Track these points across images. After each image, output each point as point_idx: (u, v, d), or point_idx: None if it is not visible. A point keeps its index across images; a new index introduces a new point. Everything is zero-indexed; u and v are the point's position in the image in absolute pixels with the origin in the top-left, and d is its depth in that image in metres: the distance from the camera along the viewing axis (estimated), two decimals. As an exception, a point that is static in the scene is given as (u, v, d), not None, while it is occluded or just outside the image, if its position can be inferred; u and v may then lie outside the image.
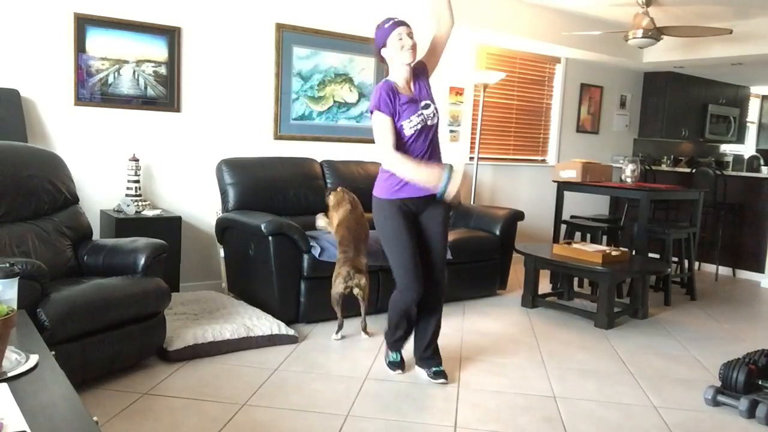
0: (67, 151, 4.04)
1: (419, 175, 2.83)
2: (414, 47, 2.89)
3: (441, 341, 3.95)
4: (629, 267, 4.50)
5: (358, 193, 4.15)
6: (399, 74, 2.94)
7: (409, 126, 2.89)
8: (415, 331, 3.25)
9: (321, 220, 4.04)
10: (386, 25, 2.89)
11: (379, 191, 3.03)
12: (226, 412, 2.74)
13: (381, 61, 3.01)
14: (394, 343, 3.27)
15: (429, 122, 2.96)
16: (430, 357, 3.24)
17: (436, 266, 3.10)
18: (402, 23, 2.90)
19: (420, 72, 3.01)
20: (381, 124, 2.88)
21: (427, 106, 2.96)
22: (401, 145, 2.91)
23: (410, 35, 2.89)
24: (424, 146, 2.95)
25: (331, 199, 4.04)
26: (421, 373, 3.25)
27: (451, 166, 2.78)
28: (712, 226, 6.42)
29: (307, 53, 4.99)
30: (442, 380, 3.17)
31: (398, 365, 3.28)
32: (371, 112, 2.92)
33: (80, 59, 4.06)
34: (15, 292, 1.82)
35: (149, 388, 2.93)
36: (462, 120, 6.16)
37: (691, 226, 5.33)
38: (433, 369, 3.20)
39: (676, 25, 5.52)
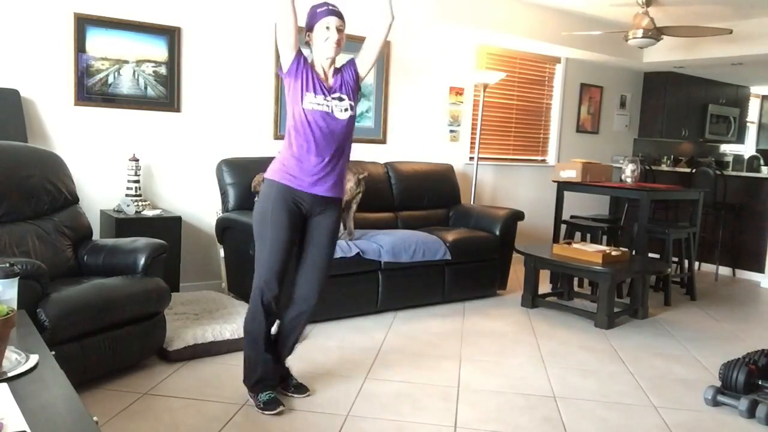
0: (67, 151, 4.04)
1: None
2: (339, 42, 2.63)
3: (441, 341, 3.96)
4: (629, 267, 4.50)
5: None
6: (318, 61, 2.70)
7: (312, 101, 2.61)
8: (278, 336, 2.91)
9: None
10: (319, 9, 2.64)
11: (273, 173, 2.71)
12: (226, 412, 2.74)
13: (306, 43, 2.74)
14: (258, 382, 2.79)
15: (336, 114, 2.64)
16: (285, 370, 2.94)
17: (315, 279, 2.79)
18: (336, 13, 2.64)
19: (346, 70, 2.75)
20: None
21: (340, 99, 2.67)
22: (300, 128, 2.62)
23: (340, 28, 2.63)
24: (328, 143, 2.64)
25: None
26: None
27: None
28: (712, 226, 6.42)
29: (307, 53, 4.97)
30: (306, 393, 2.93)
31: (274, 403, 2.75)
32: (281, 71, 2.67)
33: (80, 59, 4.06)
34: (15, 292, 1.82)
35: (149, 388, 2.93)
36: (462, 120, 6.16)
37: (691, 226, 5.33)
38: (293, 381, 2.94)
39: (676, 25, 5.52)
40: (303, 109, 2.62)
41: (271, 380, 2.81)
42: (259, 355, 2.77)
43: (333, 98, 2.66)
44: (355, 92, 2.75)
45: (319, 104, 2.63)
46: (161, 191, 4.48)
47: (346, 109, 2.68)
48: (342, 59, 2.75)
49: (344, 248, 4.06)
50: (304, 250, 2.79)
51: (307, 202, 2.70)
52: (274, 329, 2.90)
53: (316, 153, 2.64)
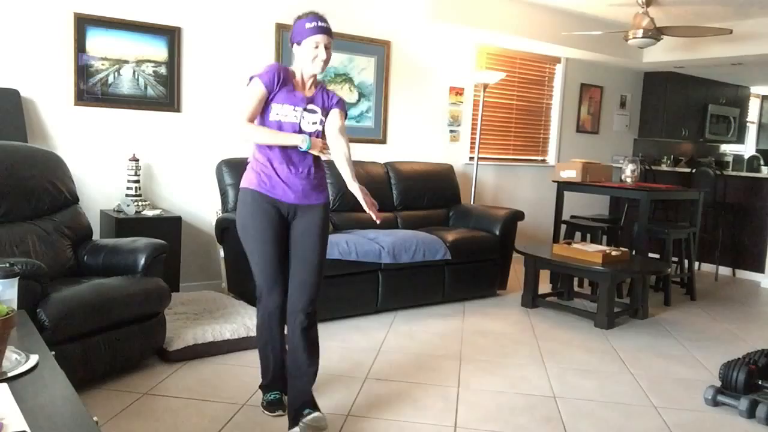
0: (67, 151, 4.04)
1: (278, 139, 2.53)
2: (327, 61, 2.58)
3: (441, 341, 3.95)
4: (629, 267, 4.50)
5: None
6: (299, 71, 2.63)
7: (278, 112, 2.55)
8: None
9: None
10: (308, 25, 2.56)
11: (247, 181, 2.64)
12: (226, 412, 2.74)
13: (291, 47, 2.67)
14: (268, 384, 2.78)
15: (303, 126, 2.58)
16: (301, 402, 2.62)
17: (311, 286, 2.63)
18: (325, 30, 2.57)
19: (328, 96, 2.68)
20: (252, 91, 2.53)
21: (312, 111, 2.61)
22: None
23: (328, 46, 2.57)
24: (294, 153, 2.58)
25: None
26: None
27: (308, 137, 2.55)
28: (712, 226, 6.42)
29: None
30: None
31: (276, 405, 2.74)
32: (251, 79, 2.58)
33: (80, 59, 4.06)
34: (15, 292, 1.82)
35: (149, 388, 2.93)
36: (462, 120, 6.16)
37: (691, 226, 5.33)
38: (307, 411, 2.57)
39: (676, 25, 5.52)
40: (266, 119, 2.56)
41: (282, 385, 2.78)
42: (269, 359, 2.75)
43: (305, 109, 2.59)
44: (326, 115, 2.65)
45: (284, 115, 2.56)
46: (161, 191, 4.48)
47: (314, 123, 2.61)
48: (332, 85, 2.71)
49: (343, 252, 4.06)
50: (290, 258, 2.67)
51: (284, 207, 2.62)
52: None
53: (283, 162, 2.58)
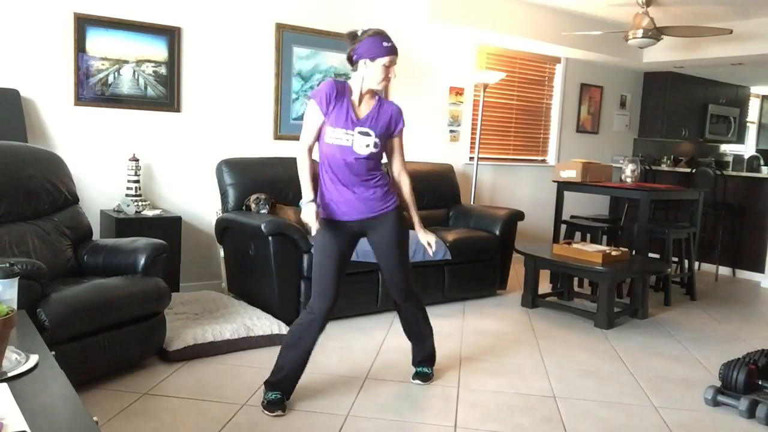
0: (67, 151, 4.04)
1: (301, 182, 2.69)
2: (390, 80, 2.70)
3: (441, 341, 3.95)
4: (629, 267, 4.50)
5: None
6: (359, 86, 2.70)
7: (332, 135, 2.66)
8: (408, 332, 3.19)
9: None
10: (384, 44, 2.63)
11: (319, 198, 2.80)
12: (226, 412, 2.74)
13: (349, 62, 2.73)
14: (275, 383, 2.79)
15: (356, 149, 2.66)
16: (421, 357, 3.23)
17: (399, 282, 2.94)
18: (396, 52, 2.67)
19: (388, 112, 2.77)
20: (309, 117, 2.68)
21: (365, 134, 2.67)
22: (323, 160, 2.72)
23: (394, 68, 2.69)
24: (350, 174, 2.71)
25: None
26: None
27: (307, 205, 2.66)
28: (712, 226, 6.42)
29: (307, 53, 4.99)
30: (417, 381, 3.19)
31: (276, 405, 2.74)
32: (309, 98, 2.72)
33: (80, 59, 4.05)
34: (15, 292, 1.82)
35: (149, 388, 2.93)
36: (462, 120, 6.16)
37: (691, 226, 5.33)
38: (416, 369, 3.24)
39: (676, 25, 5.52)
40: (323, 142, 2.69)
41: (287, 388, 2.80)
42: (289, 359, 2.78)
43: (357, 131, 2.67)
44: (384, 135, 2.74)
45: (338, 138, 2.66)
46: (161, 191, 4.48)
47: (367, 145, 2.68)
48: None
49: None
50: (380, 263, 2.93)
51: (354, 226, 2.80)
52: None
53: (341, 183, 2.72)
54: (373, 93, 2.75)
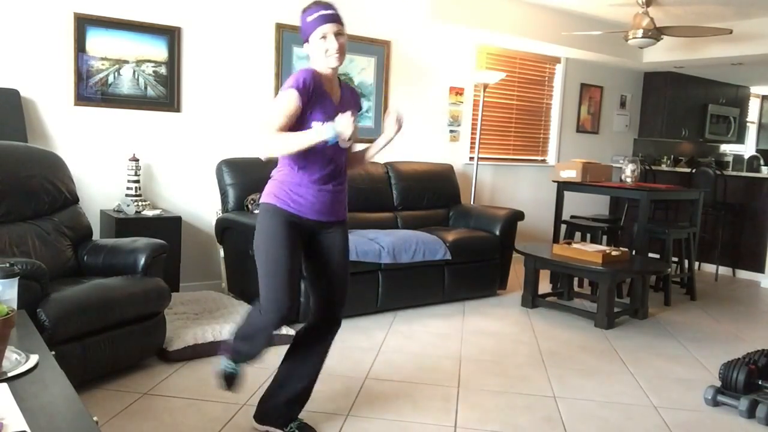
0: (67, 151, 4.04)
1: (299, 142, 2.20)
2: (341, 50, 2.29)
3: (441, 341, 3.95)
4: (629, 267, 4.50)
5: (358, 193, 4.14)
6: (322, 69, 2.35)
7: (317, 127, 2.24)
8: (288, 368, 2.58)
9: None
10: (309, 18, 2.29)
11: (270, 197, 2.39)
12: (226, 412, 2.74)
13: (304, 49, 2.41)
14: (239, 353, 2.51)
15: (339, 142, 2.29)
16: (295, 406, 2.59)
17: (341, 299, 2.54)
18: (331, 18, 2.27)
19: (350, 92, 2.52)
20: (286, 104, 2.23)
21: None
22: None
23: (339, 33, 2.28)
24: (326, 167, 2.37)
25: None
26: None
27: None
28: (712, 226, 6.42)
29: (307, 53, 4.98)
30: None
31: (232, 380, 2.53)
32: (287, 88, 2.26)
33: (80, 59, 4.05)
34: (15, 292, 1.82)
35: (149, 388, 2.93)
36: (462, 120, 6.16)
37: (691, 226, 5.33)
38: (297, 422, 2.57)
39: (676, 25, 5.52)
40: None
41: (251, 359, 2.52)
42: (259, 348, 2.49)
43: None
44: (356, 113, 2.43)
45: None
46: (161, 191, 4.48)
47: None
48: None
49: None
50: (317, 273, 2.54)
51: (309, 224, 2.42)
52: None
53: (319, 180, 2.38)
54: (332, 75, 2.39)
